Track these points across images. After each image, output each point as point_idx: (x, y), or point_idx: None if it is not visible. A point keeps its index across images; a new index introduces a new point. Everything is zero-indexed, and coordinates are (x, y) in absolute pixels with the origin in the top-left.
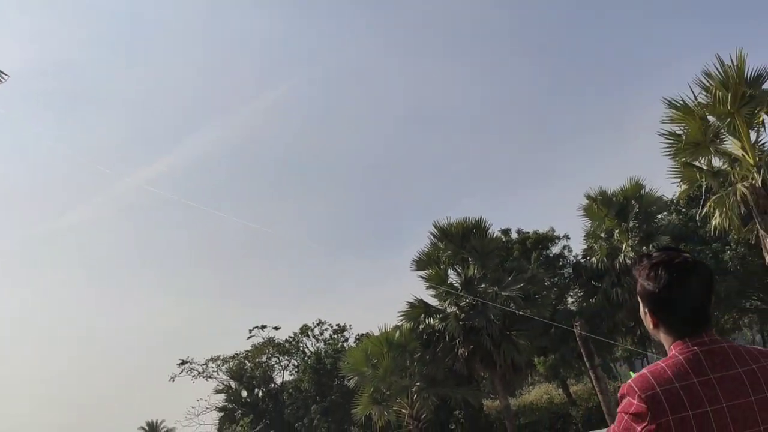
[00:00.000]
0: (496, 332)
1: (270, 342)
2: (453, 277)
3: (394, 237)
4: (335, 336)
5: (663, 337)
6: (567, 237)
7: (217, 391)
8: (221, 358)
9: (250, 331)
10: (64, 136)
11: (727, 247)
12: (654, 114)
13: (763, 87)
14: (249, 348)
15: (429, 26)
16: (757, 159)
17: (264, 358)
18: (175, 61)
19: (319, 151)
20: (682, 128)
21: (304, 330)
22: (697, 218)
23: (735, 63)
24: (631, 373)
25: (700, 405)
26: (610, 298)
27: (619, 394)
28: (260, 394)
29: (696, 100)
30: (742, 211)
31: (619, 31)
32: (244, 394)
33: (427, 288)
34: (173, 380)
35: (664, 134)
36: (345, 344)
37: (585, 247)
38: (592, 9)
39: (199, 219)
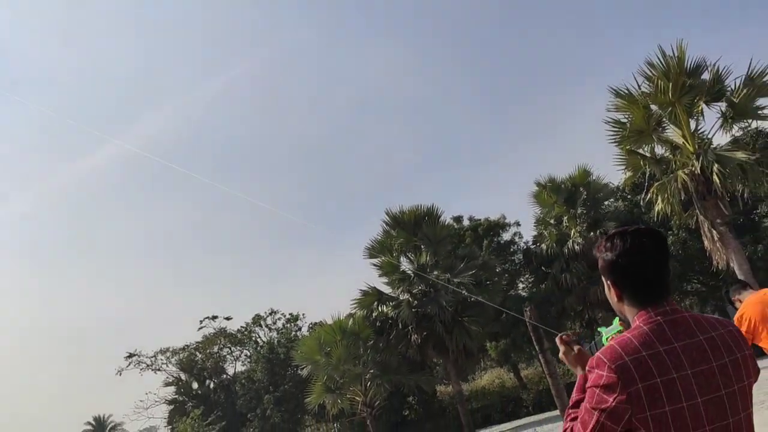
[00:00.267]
0: (449, 318)
1: (221, 332)
2: (405, 265)
3: (346, 225)
4: (288, 325)
5: (627, 310)
6: (518, 224)
7: (167, 384)
8: (170, 350)
9: (201, 321)
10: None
11: (670, 232)
12: (603, 102)
13: (702, 77)
14: (200, 339)
15: (379, 11)
16: (697, 147)
17: (215, 349)
18: (115, 47)
19: (268, 138)
20: (626, 116)
21: (257, 320)
22: (642, 204)
23: (675, 54)
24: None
25: (667, 372)
26: (560, 283)
27: (587, 368)
28: (212, 385)
29: (640, 89)
30: (683, 197)
31: (573, 18)
32: (195, 386)
33: (380, 276)
34: (120, 374)
35: (609, 122)
36: (298, 333)
37: (535, 233)
38: None
39: (143, 208)
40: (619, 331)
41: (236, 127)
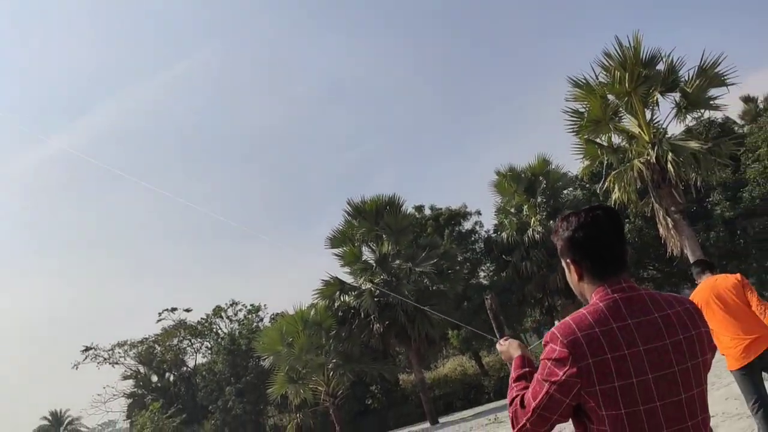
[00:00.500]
0: (411, 308)
1: (181, 324)
2: (367, 254)
3: (309, 215)
4: (249, 316)
5: (586, 288)
6: (479, 213)
7: (125, 377)
8: (128, 342)
9: (160, 314)
10: None
11: (627, 220)
12: (562, 92)
13: (657, 68)
14: (159, 331)
15: (341, 3)
16: (652, 136)
17: (175, 342)
18: (72, 35)
19: (229, 128)
20: (584, 106)
21: (217, 311)
22: (599, 193)
23: (632, 44)
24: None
25: (618, 348)
26: (520, 271)
27: (543, 342)
28: (171, 378)
29: (597, 79)
30: (639, 186)
31: (536, 11)
32: (155, 378)
33: (342, 266)
34: (77, 368)
35: (567, 112)
36: (260, 324)
37: (496, 222)
38: None
39: (95, 199)
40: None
41: (192, 117)
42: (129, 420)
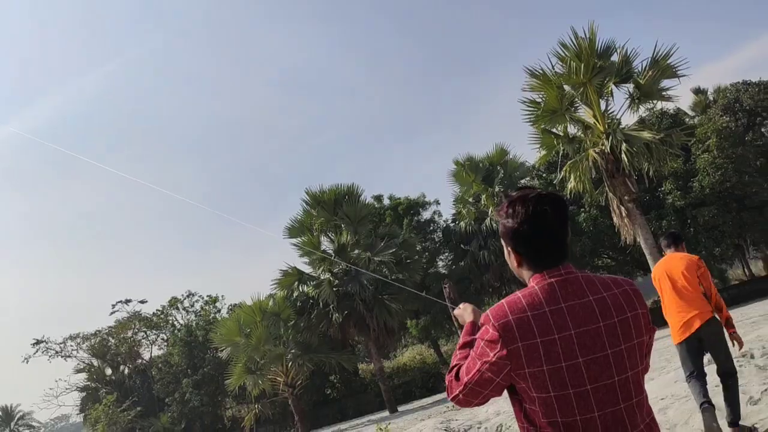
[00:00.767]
0: (369, 297)
1: (136, 316)
2: (326, 244)
3: (267, 205)
4: (207, 307)
5: (526, 274)
6: (437, 202)
7: (78, 371)
8: (81, 335)
9: (113, 306)
10: None
11: (582, 209)
12: (520, 83)
13: (611, 59)
14: (112, 324)
15: None
16: (606, 126)
17: (130, 334)
18: (13, 27)
19: (187, 117)
20: (541, 96)
21: (174, 302)
22: (556, 183)
23: (587, 35)
24: None
25: (549, 332)
26: (478, 260)
27: (480, 322)
28: (126, 371)
29: (554, 69)
30: (594, 176)
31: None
32: (109, 372)
33: (301, 256)
34: (27, 361)
35: (525, 102)
36: (217, 315)
37: (454, 211)
38: None
39: (41, 191)
40: None
41: (145, 108)
42: (82, 414)
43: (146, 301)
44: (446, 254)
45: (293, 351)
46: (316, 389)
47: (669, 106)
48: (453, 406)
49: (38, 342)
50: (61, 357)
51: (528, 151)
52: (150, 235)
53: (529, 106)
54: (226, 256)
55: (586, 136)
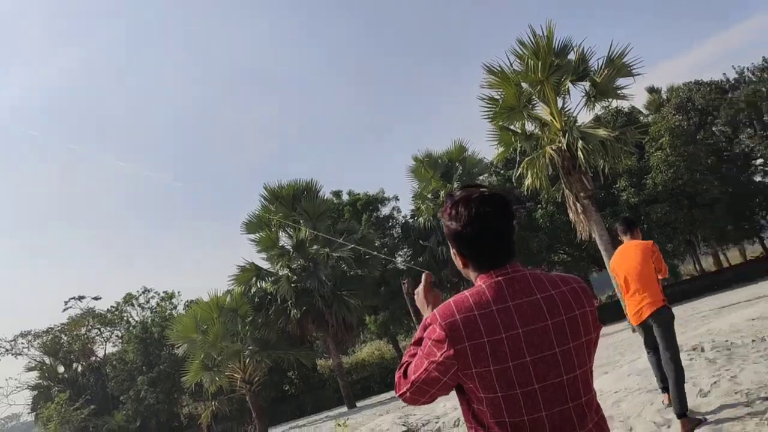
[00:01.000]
0: (328, 293)
1: (89, 313)
2: (284, 240)
3: (225, 201)
4: (163, 304)
5: (472, 275)
6: (396, 198)
7: (29, 369)
8: (32, 333)
9: (66, 302)
10: None
11: (539, 206)
12: (479, 79)
13: (568, 57)
14: (65, 321)
15: None
16: (563, 124)
17: (83, 331)
18: None
19: (142, 113)
20: (499, 93)
21: (128, 299)
22: (513, 179)
23: (545, 34)
24: None
25: (496, 332)
26: (436, 256)
27: (426, 321)
28: (79, 368)
29: (512, 67)
30: (551, 172)
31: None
32: (61, 369)
33: (259, 251)
34: None
35: (483, 99)
36: (173, 312)
37: (413, 207)
38: None
39: None
40: None
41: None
42: (34, 413)
43: (100, 298)
44: (405, 250)
45: (251, 347)
46: (274, 385)
47: (624, 104)
48: None
49: None
50: (12, 354)
51: (486, 148)
52: (107, 229)
53: (487, 103)
54: (181, 252)
55: (543, 133)
